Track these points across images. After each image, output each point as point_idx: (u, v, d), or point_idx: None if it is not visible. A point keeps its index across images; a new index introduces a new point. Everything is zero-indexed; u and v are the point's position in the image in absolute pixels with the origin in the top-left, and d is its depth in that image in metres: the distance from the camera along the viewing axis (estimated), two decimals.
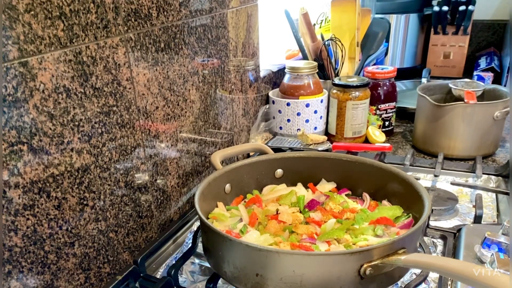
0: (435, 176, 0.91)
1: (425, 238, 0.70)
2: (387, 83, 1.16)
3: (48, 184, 0.53)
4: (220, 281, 0.61)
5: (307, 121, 1.11)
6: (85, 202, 0.59)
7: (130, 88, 0.65)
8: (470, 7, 1.56)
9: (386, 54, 1.69)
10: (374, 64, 1.48)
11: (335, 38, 1.24)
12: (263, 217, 0.68)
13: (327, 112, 1.16)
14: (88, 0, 0.55)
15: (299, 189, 0.76)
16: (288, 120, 1.12)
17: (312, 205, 0.70)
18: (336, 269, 0.50)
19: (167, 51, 0.72)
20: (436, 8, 1.59)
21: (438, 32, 1.65)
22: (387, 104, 1.17)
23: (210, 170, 0.91)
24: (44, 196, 0.52)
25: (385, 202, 0.71)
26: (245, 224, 0.66)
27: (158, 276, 0.68)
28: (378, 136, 1.14)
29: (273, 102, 1.14)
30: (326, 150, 1.02)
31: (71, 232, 0.57)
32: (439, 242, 0.71)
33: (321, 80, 1.16)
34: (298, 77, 1.11)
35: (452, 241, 0.69)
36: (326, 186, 0.77)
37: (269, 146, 0.88)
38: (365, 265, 0.50)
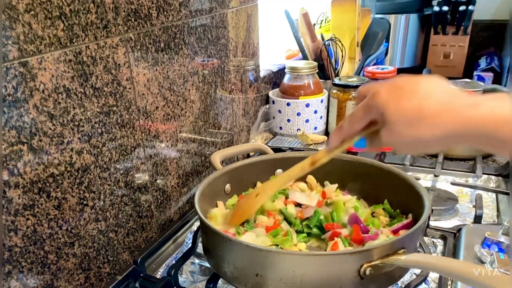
0: (435, 176, 0.91)
1: (425, 238, 0.70)
2: None
3: (48, 184, 0.53)
4: (220, 281, 0.61)
5: (307, 121, 1.11)
6: (85, 202, 0.59)
7: (130, 88, 0.65)
8: (470, 7, 1.56)
9: (386, 54, 1.69)
10: (374, 64, 1.48)
11: (335, 38, 1.24)
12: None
13: (327, 112, 1.16)
14: (88, 0, 0.55)
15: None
16: (288, 120, 1.12)
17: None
18: (336, 269, 0.50)
19: (167, 51, 0.72)
20: (436, 8, 1.59)
21: (438, 32, 1.64)
22: None
23: (210, 170, 0.91)
24: (44, 196, 0.52)
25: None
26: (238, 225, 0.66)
27: (158, 276, 0.68)
28: None
29: (273, 102, 1.14)
30: None
31: (71, 232, 0.57)
32: (439, 242, 0.71)
33: (321, 80, 1.16)
34: (298, 77, 1.11)
35: (452, 241, 0.69)
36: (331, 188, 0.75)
37: (269, 146, 0.88)
38: (365, 265, 0.50)
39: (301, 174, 0.62)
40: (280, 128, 1.14)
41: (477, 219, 0.74)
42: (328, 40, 1.21)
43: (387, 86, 0.46)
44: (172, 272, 0.62)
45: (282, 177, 0.66)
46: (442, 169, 0.92)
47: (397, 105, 0.44)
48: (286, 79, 1.13)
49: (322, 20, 1.47)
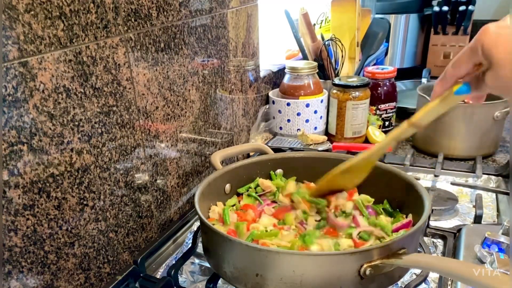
0: (435, 176, 0.91)
1: (425, 238, 0.70)
2: (387, 83, 1.16)
3: (48, 184, 0.53)
4: (220, 281, 0.61)
5: (307, 121, 1.11)
6: (85, 202, 0.59)
7: (130, 88, 0.65)
8: (470, 7, 1.56)
9: (386, 54, 1.69)
10: (374, 64, 1.48)
11: (335, 38, 1.24)
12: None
13: (327, 112, 1.16)
14: (88, 0, 0.55)
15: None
16: (288, 120, 1.12)
17: None
18: (336, 269, 0.50)
19: (167, 51, 0.72)
20: (436, 8, 1.59)
21: (438, 32, 1.64)
22: (387, 104, 1.17)
23: (210, 170, 0.91)
24: (44, 196, 0.52)
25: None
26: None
27: (158, 276, 0.68)
28: (378, 136, 1.14)
29: (273, 102, 1.14)
30: (326, 150, 1.02)
31: (71, 232, 0.57)
32: (439, 242, 0.71)
33: (321, 80, 1.16)
34: (298, 77, 1.11)
35: (452, 241, 0.69)
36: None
37: (269, 146, 0.88)
38: (365, 265, 0.50)
39: (404, 136, 0.56)
40: (280, 128, 1.14)
41: (477, 219, 0.74)
42: (328, 40, 1.21)
43: (495, 25, 0.42)
44: (172, 272, 0.62)
45: (384, 140, 0.60)
46: (442, 169, 0.92)
47: (506, 47, 0.41)
48: (286, 79, 1.13)
49: (322, 20, 1.47)
